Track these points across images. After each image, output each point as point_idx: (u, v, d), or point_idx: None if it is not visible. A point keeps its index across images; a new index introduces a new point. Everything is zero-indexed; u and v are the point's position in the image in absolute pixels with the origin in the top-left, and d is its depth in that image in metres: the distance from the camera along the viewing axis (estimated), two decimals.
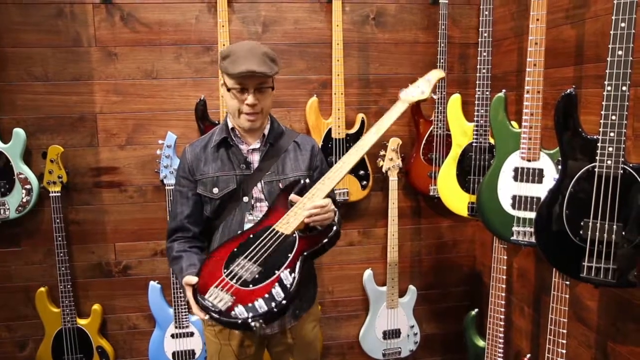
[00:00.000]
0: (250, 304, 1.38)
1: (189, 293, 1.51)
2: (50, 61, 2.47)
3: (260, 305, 1.38)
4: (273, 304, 1.37)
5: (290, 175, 1.72)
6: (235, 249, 1.55)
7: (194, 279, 1.50)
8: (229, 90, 1.61)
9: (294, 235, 1.52)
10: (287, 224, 1.54)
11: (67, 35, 2.47)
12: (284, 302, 1.38)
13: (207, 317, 1.43)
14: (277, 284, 1.41)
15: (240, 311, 1.37)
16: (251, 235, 1.57)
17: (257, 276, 1.44)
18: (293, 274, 1.43)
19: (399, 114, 1.67)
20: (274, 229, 1.54)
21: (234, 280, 1.45)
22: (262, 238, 1.53)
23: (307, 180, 1.66)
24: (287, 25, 2.63)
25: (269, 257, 1.48)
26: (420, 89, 1.73)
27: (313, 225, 1.56)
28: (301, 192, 1.62)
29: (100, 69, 2.52)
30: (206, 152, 1.73)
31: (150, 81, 2.57)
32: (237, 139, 1.72)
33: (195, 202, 1.74)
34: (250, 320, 1.35)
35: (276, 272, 1.44)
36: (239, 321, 1.36)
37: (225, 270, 1.49)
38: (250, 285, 1.42)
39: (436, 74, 1.77)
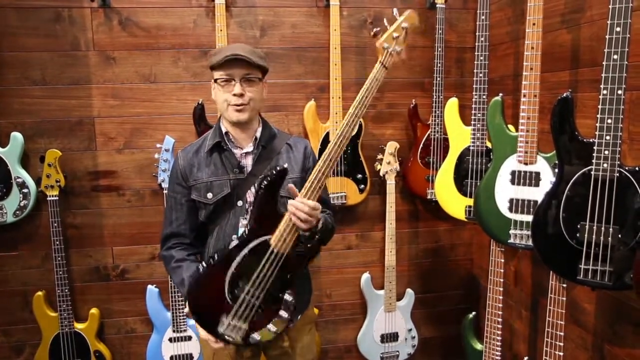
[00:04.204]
0: (262, 329, 1.55)
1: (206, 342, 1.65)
2: (48, 65, 2.48)
3: (272, 327, 1.56)
4: (284, 325, 1.57)
5: None
6: (234, 270, 1.52)
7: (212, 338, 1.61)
8: (215, 81, 1.63)
9: (293, 254, 1.55)
10: (284, 243, 1.50)
11: (65, 39, 2.47)
12: (289, 321, 1.57)
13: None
14: (282, 306, 1.55)
15: (256, 337, 1.56)
16: (246, 252, 1.51)
17: (263, 303, 1.55)
18: (292, 292, 1.55)
19: (379, 81, 1.51)
20: (272, 250, 1.50)
21: (244, 309, 1.54)
22: (263, 261, 1.51)
23: (286, 165, 1.53)
24: (284, 30, 2.64)
25: (274, 281, 1.54)
26: (394, 48, 1.48)
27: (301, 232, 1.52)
28: (282, 178, 1.50)
29: (99, 73, 2.52)
30: (199, 157, 1.73)
31: (148, 85, 2.57)
32: (230, 143, 1.72)
33: (189, 207, 1.74)
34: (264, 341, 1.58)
35: (280, 295, 1.55)
36: (258, 344, 1.62)
37: (230, 296, 1.54)
38: (260, 311, 1.55)
39: (410, 19, 1.50)
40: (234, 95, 1.61)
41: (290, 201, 1.47)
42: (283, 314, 1.54)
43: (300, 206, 1.45)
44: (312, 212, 1.46)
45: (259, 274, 1.52)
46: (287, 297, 1.53)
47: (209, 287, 1.55)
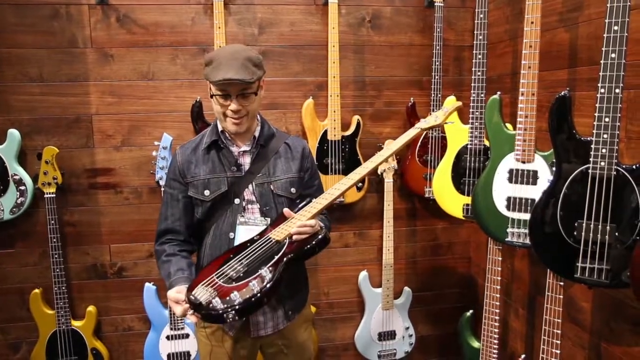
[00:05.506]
0: (227, 298, 1.44)
1: (172, 304, 1.53)
2: (46, 62, 2.47)
3: (235, 297, 1.43)
4: (247, 296, 1.43)
5: (281, 177, 1.73)
6: (231, 255, 1.59)
7: (181, 296, 1.51)
8: (212, 96, 1.62)
9: (285, 241, 1.57)
10: (280, 232, 1.59)
11: (63, 36, 2.47)
12: (258, 294, 1.43)
13: (191, 315, 1.48)
14: (255, 280, 1.48)
15: (216, 302, 1.43)
16: (248, 243, 1.61)
17: (241, 274, 1.50)
18: (274, 272, 1.49)
19: (408, 138, 1.69)
20: (268, 236, 1.60)
21: (220, 278, 1.51)
22: (256, 244, 1.59)
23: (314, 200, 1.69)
24: (283, 27, 2.64)
25: (257, 258, 1.54)
26: (434, 117, 1.76)
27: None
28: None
29: (96, 70, 2.52)
30: (197, 154, 1.73)
31: (146, 82, 2.57)
32: (227, 141, 1.72)
33: (185, 204, 1.74)
34: (222, 311, 1.41)
35: (259, 270, 1.50)
36: (214, 312, 1.42)
37: (217, 271, 1.54)
38: (233, 282, 1.49)
39: (453, 104, 1.80)
40: (231, 110, 1.61)
41: (296, 228, 1.56)
42: (253, 285, 1.47)
43: (302, 230, 1.56)
44: (311, 229, 1.58)
45: (247, 252, 1.57)
46: (265, 272, 1.49)
47: (209, 268, 1.58)
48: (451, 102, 2.30)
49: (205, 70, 1.61)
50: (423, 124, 1.74)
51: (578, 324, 2.12)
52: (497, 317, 2.29)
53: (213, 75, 1.56)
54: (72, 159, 2.56)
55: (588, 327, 2.07)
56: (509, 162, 2.03)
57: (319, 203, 1.61)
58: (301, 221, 1.56)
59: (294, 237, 1.56)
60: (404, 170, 2.76)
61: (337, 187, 1.62)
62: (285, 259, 1.52)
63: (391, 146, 1.70)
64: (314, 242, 1.57)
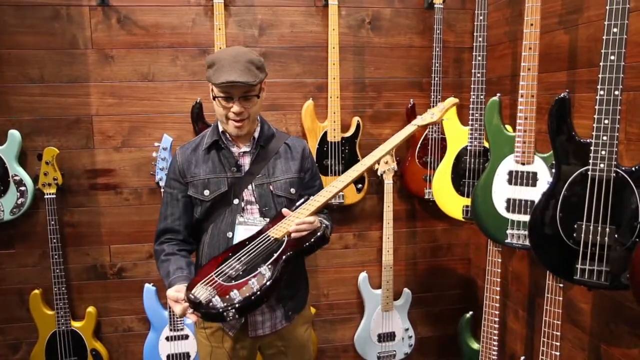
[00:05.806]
0: (227, 296, 1.45)
1: (172, 303, 1.53)
2: (46, 63, 2.47)
3: (235, 295, 1.44)
4: (247, 294, 1.44)
5: (280, 178, 1.74)
6: (230, 253, 1.60)
7: (180, 295, 1.51)
8: (214, 98, 1.63)
9: (284, 238, 1.57)
10: (278, 230, 1.59)
11: (63, 37, 2.47)
12: (258, 292, 1.44)
13: (190, 314, 1.48)
14: (255, 278, 1.48)
15: (216, 301, 1.44)
16: (247, 242, 1.62)
17: (240, 273, 1.51)
18: (273, 270, 1.49)
19: (405, 134, 1.69)
20: (267, 234, 1.60)
21: (219, 277, 1.51)
22: (255, 242, 1.60)
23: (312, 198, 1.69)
24: (283, 29, 2.64)
25: (256, 256, 1.55)
26: (430, 114, 1.76)
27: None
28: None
29: (97, 71, 2.52)
30: (197, 154, 1.74)
31: (147, 84, 2.57)
32: (228, 142, 1.73)
33: (185, 204, 1.74)
34: (222, 310, 1.41)
35: (258, 268, 1.51)
36: (213, 311, 1.42)
37: (216, 270, 1.54)
38: (233, 281, 1.49)
39: (450, 101, 1.80)
40: (233, 112, 1.61)
41: (295, 226, 1.56)
42: (253, 283, 1.47)
43: (301, 227, 1.56)
44: (310, 226, 1.57)
45: (246, 250, 1.57)
46: (264, 270, 1.50)
47: (207, 267, 1.58)
48: (449, 100, 2.27)
49: (208, 73, 1.61)
50: (419, 120, 1.74)
51: (578, 326, 2.12)
52: (496, 319, 2.29)
53: (216, 77, 1.57)
54: (72, 160, 2.57)
55: (588, 328, 2.07)
56: (508, 163, 2.04)
57: (317, 200, 1.61)
58: (300, 219, 1.56)
59: (293, 234, 1.56)
60: (403, 171, 2.76)
61: (334, 185, 1.62)
62: (284, 256, 1.52)
63: (387, 143, 1.69)
64: (312, 240, 1.57)
